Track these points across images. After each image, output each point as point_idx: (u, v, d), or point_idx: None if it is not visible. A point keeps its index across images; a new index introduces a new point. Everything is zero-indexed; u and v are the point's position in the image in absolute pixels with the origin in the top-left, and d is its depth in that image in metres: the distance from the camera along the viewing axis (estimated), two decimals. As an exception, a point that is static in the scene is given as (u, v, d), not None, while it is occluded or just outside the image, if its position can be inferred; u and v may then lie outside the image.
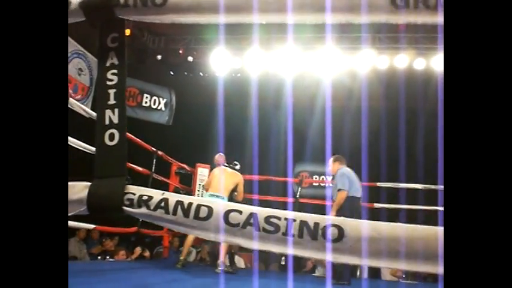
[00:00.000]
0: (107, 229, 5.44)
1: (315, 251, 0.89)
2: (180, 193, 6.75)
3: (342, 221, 0.89)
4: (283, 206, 6.45)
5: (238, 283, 4.31)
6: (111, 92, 1.22)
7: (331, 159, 5.34)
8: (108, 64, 1.25)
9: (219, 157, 5.67)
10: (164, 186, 6.51)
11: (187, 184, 6.98)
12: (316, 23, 1.18)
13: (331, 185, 9.67)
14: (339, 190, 4.89)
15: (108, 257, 6.46)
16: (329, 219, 0.90)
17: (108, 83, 1.23)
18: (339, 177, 5.00)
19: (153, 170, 5.70)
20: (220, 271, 4.80)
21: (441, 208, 5.67)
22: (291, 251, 0.91)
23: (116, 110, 1.21)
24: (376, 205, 6.71)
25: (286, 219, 0.92)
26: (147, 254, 6.97)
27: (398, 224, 0.88)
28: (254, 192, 6.58)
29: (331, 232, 0.89)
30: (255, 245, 0.94)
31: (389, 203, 6.81)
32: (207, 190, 5.44)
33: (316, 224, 0.90)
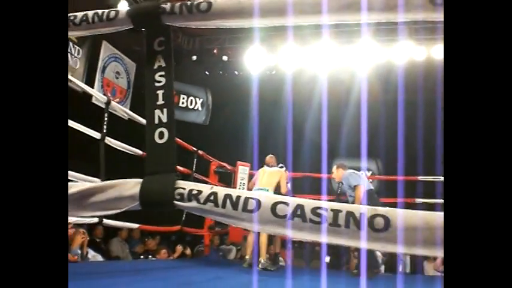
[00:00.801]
0: (151, 228, 5.58)
1: (362, 240, 0.92)
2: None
3: (389, 210, 0.91)
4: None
5: (279, 280, 4.33)
6: (160, 92, 1.27)
7: (334, 167, 5.64)
8: (156, 66, 1.30)
9: (270, 158, 5.77)
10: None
11: (226, 182, 7.06)
12: (354, 22, 1.19)
13: (370, 180, 9.57)
14: (355, 187, 5.12)
15: (150, 256, 6.59)
16: (375, 209, 0.92)
17: (157, 84, 1.29)
18: (350, 177, 5.25)
19: (193, 169, 5.81)
20: (260, 269, 4.85)
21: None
22: (338, 241, 0.94)
23: (165, 110, 1.26)
24: (418, 200, 6.67)
25: (332, 210, 0.95)
26: (188, 252, 7.08)
27: (440, 213, 0.89)
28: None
29: (377, 222, 0.91)
30: (303, 235, 0.97)
31: (428, 198, 6.76)
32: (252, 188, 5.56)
33: (362, 215, 0.93)
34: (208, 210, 1.09)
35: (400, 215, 0.90)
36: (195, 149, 5.88)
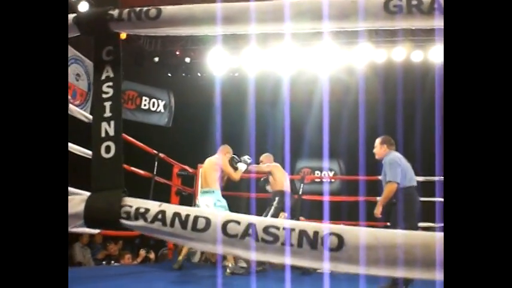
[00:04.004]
0: (112, 233, 5.45)
1: (315, 260, 0.89)
2: (183, 194, 6.76)
3: (342, 229, 0.89)
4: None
5: (243, 282, 4.30)
6: (107, 104, 1.21)
7: (377, 141, 4.61)
8: (103, 77, 1.24)
9: (224, 148, 5.51)
10: (166, 188, 6.52)
11: (189, 185, 6.99)
12: (313, 31, 1.18)
13: (332, 180, 9.61)
14: (388, 182, 4.22)
15: (113, 262, 6.45)
16: (328, 227, 0.90)
17: (104, 95, 1.23)
18: (389, 166, 4.27)
19: (155, 173, 5.71)
20: (228, 274, 4.75)
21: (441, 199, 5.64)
22: (290, 261, 0.91)
23: (112, 123, 1.20)
24: (378, 198, 6.75)
25: (284, 228, 0.92)
26: (152, 256, 6.97)
27: (397, 230, 0.88)
28: (252, 191, 6.51)
29: (330, 241, 0.88)
30: (254, 255, 0.94)
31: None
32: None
33: (316, 233, 0.90)
34: (156, 230, 1.04)
35: (355, 234, 0.88)
36: (155, 152, 5.78)
